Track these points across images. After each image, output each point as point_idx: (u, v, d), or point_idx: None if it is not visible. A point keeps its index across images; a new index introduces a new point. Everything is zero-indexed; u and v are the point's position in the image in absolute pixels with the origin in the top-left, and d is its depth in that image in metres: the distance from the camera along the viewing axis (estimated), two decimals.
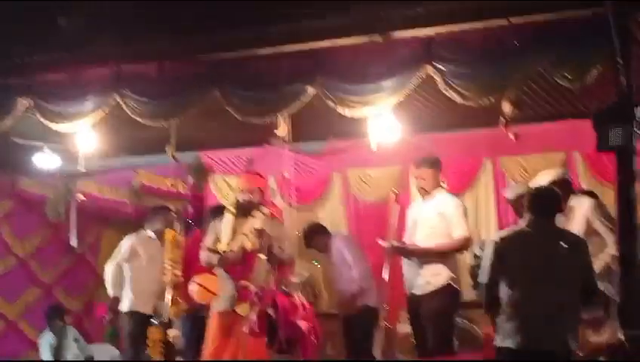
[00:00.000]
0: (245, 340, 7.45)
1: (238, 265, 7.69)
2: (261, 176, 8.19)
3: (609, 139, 5.92)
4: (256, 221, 7.80)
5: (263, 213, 7.86)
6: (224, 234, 7.82)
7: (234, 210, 7.92)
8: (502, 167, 9.74)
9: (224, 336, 7.58)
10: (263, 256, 7.62)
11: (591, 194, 7.75)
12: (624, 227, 6.05)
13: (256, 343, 7.43)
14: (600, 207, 7.44)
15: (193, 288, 7.67)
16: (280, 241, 7.81)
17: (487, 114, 7.45)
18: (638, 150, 6.10)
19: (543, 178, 7.64)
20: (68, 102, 8.09)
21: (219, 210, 8.46)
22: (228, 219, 7.88)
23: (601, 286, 7.03)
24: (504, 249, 6.02)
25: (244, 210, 7.90)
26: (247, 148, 10.59)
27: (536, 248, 6.02)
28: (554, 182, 7.65)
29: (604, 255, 7.13)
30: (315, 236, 9.50)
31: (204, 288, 7.67)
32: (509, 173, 9.70)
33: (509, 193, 8.05)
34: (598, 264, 6.88)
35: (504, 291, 5.91)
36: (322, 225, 9.67)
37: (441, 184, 7.70)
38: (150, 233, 9.31)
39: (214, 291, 7.66)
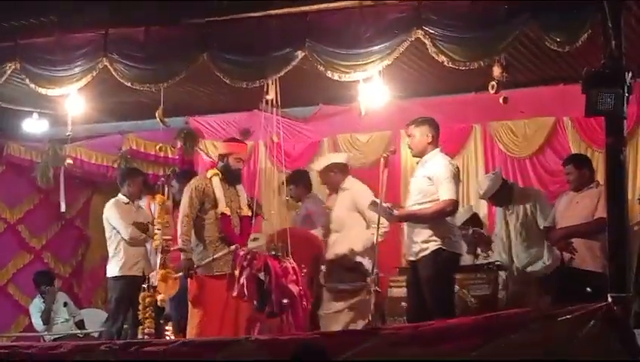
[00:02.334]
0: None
1: (236, 232, 7.85)
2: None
3: (598, 103, 5.92)
4: (241, 190, 8.02)
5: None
6: (221, 198, 7.86)
7: (221, 175, 7.96)
8: (491, 131, 9.74)
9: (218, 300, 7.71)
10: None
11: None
12: (613, 192, 6.08)
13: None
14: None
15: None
16: None
17: (477, 78, 7.44)
18: (627, 115, 6.12)
19: (320, 162, 8.57)
20: (56, 67, 8.05)
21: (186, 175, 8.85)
22: (217, 183, 7.91)
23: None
24: None
25: (231, 177, 7.98)
26: (236, 113, 10.60)
27: None
28: (329, 166, 8.11)
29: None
30: (297, 181, 9.47)
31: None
32: (499, 137, 9.72)
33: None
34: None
35: None
36: (307, 180, 9.60)
37: (437, 146, 7.62)
38: (123, 197, 9.28)
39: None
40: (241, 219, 7.93)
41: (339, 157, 8.74)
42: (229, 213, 7.85)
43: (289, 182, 9.51)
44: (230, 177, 7.98)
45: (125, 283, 8.94)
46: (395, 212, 7.39)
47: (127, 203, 9.22)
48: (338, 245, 8.16)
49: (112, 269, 9.11)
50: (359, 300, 8.14)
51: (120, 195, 9.29)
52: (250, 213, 7.94)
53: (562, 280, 8.14)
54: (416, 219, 7.33)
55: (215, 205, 7.87)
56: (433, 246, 7.22)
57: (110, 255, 9.15)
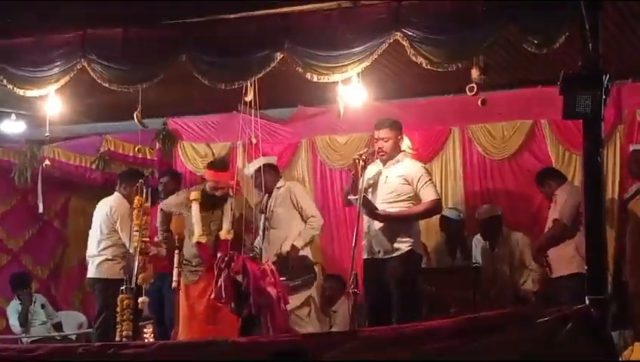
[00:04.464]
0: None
1: (212, 254, 7.92)
2: (227, 170, 8.31)
3: (576, 106, 5.95)
4: (226, 211, 8.06)
5: (230, 197, 8.10)
6: (196, 226, 8.05)
7: (199, 199, 8.12)
8: (469, 133, 9.75)
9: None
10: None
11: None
12: (590, 194, 6.10)
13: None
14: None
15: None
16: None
17: (455, 80, 7.46)
18: (605, 117, 6.15)
19: (252, 165, 8.72)
20: (34, 68, 8.00)
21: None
22: (195, 209, 8.09)
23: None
24: None
25: (210, 203, 8.12)
26: (215, 115, 10.58)
27: None
28: (262, 168, 8.37)
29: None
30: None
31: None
32: (477, 139, 9.73)
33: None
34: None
35: None
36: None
37: (407, 149, 7.79)
38: (125, 201, 9.20)
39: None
40: (219, 242, 7.99)
41: (270, 159, 9.03)
42: (203, 241, 8.01)
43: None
44: (208, 203, 8.09)
45: (115, 284, 8.80)
46: (381, 210, 7.47)
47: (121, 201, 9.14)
48: (279, 243, 8.31)
49: (106, 269, 9.06)
50: (312, 292, 8.30)
51: (122, 196, 9.21)
52: (229, 237, 7.97)
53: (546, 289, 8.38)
54: (402, 217, 7.43)
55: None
56: (406, 246, 7.40)
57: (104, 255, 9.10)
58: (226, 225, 8.06)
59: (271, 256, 8.25)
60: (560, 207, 8.29)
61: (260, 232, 8.64)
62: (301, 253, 8.32)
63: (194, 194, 8.18)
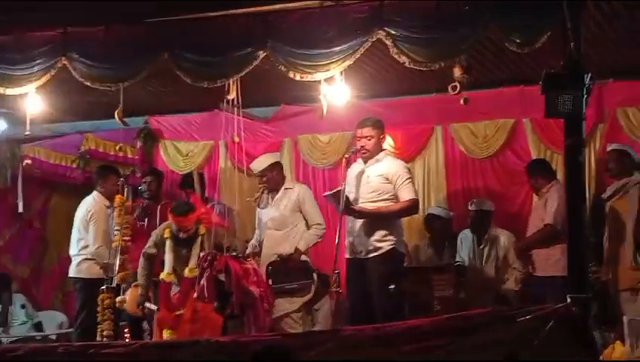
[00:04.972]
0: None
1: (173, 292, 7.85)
2: (187, 215, 7.96)
3: (558, 105, 5.97)
4: (195, 248, 7.88)
5: (201, 235, 7.93)
6: (167, 263, 7.88)
7: (171, 237, 7.93)
8: (452, 132, 9.76)
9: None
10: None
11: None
12: (572, 193, 6.12)
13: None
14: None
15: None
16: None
17: (438, 79, 7.47)
18: (587, 116, 6.17)
19: (262, 161, 8.49)
20: (15, 66, 7.95)
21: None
22: (169, 246, 7.92)
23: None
24: None
25: (178, 242, 7.94)
26: (197, 113, 10.56)
27: None
28: (273, 165, 8.38)
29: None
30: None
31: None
32: (459, 139, 9.75)
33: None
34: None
35: None
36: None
37: (388, 147, 7.78)
38: (106, 200, 9.15)
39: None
40: (182, 280, 7.83)
41: (277, 157, 8.94)
42: (169, 280, 7.83)
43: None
44: (179, 241, 7.92)
45: (95, 283, 8.76)
46: (357, 206, 7.44)
47: (109, 206, 9.05)
48: (282, 245, 8.19)
49: (87, 269, 8.98)
50: (309, 299, 8.23)
51: (99, 194, 9.15)
52: (191, 275, 7.72)
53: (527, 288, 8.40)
54: (378, 215, 7.40)
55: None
56: (387, 245, 7.36)
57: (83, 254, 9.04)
58: (191, 263, 7.80)
59: (271, 256, 8.16)
60: (553, 211, 8.26)
61: (257, 230, 8.56)
62: (303, 257, 8.22)
63: (166, 232, 7.95)
